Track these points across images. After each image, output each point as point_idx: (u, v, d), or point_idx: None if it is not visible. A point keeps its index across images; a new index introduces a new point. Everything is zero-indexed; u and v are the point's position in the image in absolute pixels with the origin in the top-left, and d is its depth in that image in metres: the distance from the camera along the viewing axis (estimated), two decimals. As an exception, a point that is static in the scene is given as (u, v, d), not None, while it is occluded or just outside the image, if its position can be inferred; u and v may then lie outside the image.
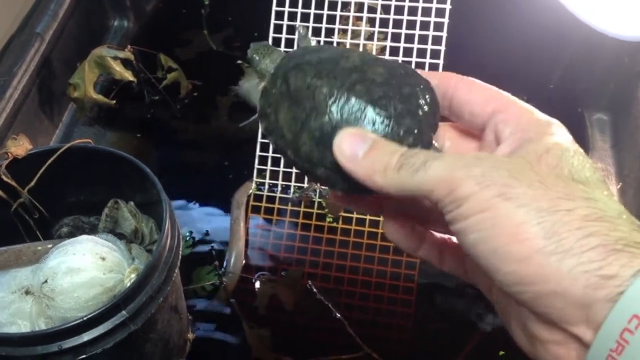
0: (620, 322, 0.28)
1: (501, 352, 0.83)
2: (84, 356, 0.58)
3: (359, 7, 0.97)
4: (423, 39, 0.94)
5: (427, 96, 0.38)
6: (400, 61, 0.94)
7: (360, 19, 0.97)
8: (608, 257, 0.29)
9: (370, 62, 0.38)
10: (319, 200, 0.98)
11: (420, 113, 0.37)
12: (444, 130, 0.42)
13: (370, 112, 0.36)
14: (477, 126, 0.39)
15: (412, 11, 0.94)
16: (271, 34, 0.96)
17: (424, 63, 0.93)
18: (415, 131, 0.36)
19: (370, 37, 0.99)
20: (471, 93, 0.38)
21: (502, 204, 0.30)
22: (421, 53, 0.93)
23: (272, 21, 0.96)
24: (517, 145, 0.35)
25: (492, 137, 0.38)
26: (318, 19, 0.96)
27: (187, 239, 0.95)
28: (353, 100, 0.36)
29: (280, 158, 0.98)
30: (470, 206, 0.31)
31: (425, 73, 0.39)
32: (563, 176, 0.32)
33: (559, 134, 0.35)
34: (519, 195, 0.30)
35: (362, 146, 0.35)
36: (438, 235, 0.41)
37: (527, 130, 0.35)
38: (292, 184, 0.99)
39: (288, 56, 0.41)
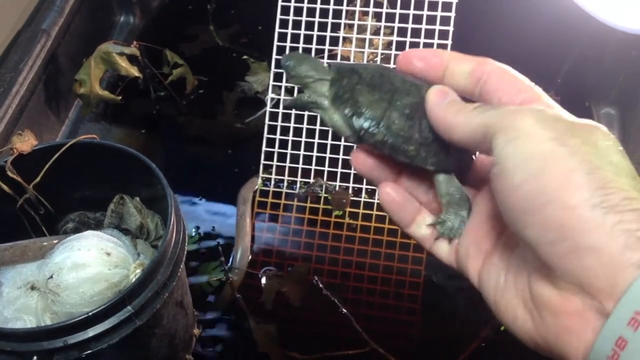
0: None
1: (503, 327, 0.83)
2: (89, 351, 0.58)
3: (365, 2, 0.96)
4: (430, 34, 0.93)
5: None
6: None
7: (366, 13, 0.97)
8: None
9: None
10: (325, 195, 0.98)
11: None
12: None
13: None
14: None
15: (419, 5, 0.93)
16: (277, 29, 0.96)
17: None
18: None
19: (376, 31, 0.98)
20: (502, 82, 0.38)
21: (557, 148, 0.31)
22: (427, 47, 0.92)
23: (278, 16, 0.96)
24: None
25: None
26: (324, 13, 0.95)
27: (193, 234, 0.95)
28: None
29: (286, 154, 0.98)
30: (524, 141, 0.32)
31: (460, 56, 0.40)
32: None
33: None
34: (574, 145, 0.31)
35: (445, 98, 0.38)
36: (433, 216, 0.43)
37: None
38: (299, 179, 0.98)
39: (336, 64, 0.44)
